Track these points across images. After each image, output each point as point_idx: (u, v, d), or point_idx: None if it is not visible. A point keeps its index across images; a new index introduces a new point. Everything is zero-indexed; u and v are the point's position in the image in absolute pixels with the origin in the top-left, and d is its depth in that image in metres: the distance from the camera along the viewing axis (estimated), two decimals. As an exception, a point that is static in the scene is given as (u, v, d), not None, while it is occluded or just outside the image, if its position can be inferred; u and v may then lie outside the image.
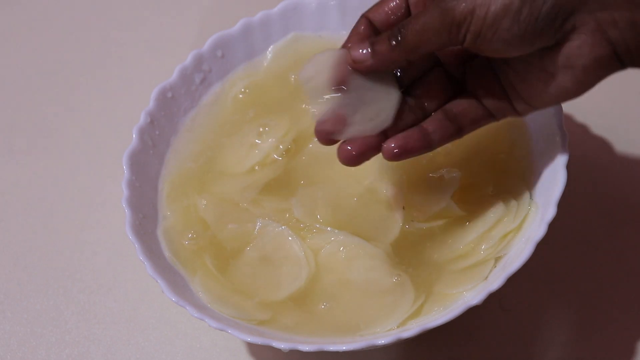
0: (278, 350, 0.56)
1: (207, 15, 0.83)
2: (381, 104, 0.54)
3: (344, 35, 0.69)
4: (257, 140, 0.65)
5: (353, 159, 0.53)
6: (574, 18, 0.48)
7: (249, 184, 0.63)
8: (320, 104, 0.54)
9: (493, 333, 0.62)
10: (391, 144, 0.53)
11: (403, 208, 0.60)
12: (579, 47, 0.49)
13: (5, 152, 0.76)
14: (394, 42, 0.50)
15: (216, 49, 0.67)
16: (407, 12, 0.53)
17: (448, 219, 0.59)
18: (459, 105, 0.54)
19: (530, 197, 0.59)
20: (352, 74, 0.53)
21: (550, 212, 0.55)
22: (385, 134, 0.54)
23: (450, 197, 0.60)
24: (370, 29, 0.54)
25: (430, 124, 0.54)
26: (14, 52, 0.83)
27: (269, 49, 0.68)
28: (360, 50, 0.52)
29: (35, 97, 0.80)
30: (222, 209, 0.62)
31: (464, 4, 0.48)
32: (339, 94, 0.53)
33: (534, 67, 0.51)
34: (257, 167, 0.64)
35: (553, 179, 0.57)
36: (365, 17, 0.54)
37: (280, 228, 0.60)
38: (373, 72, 0.53)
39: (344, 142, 0.54)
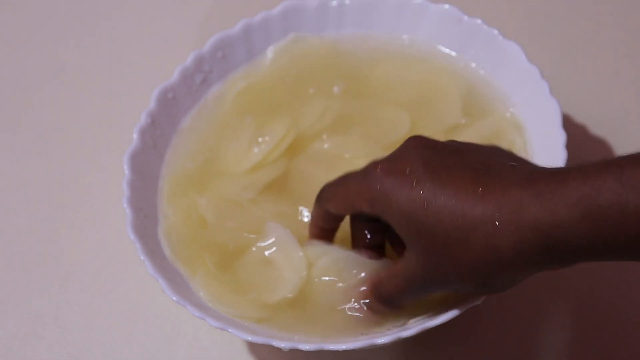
0: (278, 350, 0.56)
1: (208, 16, 0.83)
2: None
3: (344, 34, 0.69)
4: (257, 140, 0.65)
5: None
6: None
7: (249, 184, 0.63)
8: None
9: (493, 333, 0.62)
10: None
11: None
12: None
13: (6, 152, 0.76)
14: (395, 309, 0.56)
15: (217, 49, 0.67)
16: None
17: None
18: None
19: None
20: None
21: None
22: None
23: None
24: (330, 216, 0.57)
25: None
26: (14, 52, 0.83)
27: (269, 50, 0.69)
28: (369, 314, 0.57)
29: (35, 97, 0.80)
30: (222, 209, 0.62)
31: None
32: None
33: None
34: (257, 168, 0.64)
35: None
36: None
37: (284, 231, 0.60)
38: None
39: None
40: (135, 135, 0.62)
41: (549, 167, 0.48)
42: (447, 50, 0.68)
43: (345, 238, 0.59)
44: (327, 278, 0.58)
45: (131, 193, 0.59)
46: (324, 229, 0.58)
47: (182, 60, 0.66)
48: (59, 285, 0.68)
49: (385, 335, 0.53)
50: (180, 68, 0.65)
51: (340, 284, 0.57)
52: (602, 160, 0.45)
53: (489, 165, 0.49)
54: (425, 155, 0.50)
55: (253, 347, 0.64)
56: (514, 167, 0.48)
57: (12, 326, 0.66)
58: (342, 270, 0.57)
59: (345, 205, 0.54)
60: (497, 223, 0.46)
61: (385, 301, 0.55)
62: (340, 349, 0.53)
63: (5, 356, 0.65)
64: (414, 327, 0.53)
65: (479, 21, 0.66)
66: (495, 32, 0.65)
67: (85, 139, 0.76)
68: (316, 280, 0.58)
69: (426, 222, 0.48)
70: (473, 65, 0.67)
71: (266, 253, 0.60)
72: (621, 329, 0.62)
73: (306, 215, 0.62)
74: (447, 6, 0.67)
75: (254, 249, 0.60)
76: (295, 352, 0.55)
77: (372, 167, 0.52)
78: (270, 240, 0.60)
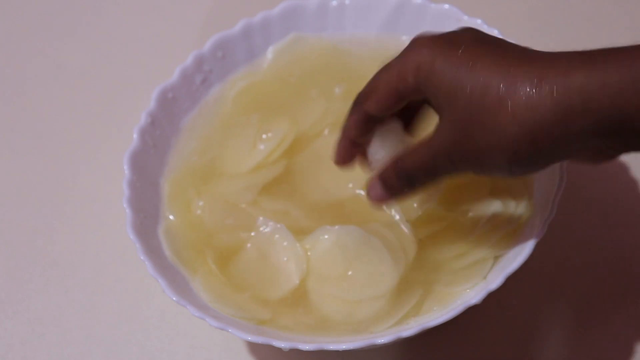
0: (278, 350, 0.56)
1: (208, 16, 0.83)
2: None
3: (344, 34, 0.69)
4: (257, 141, 0.65)
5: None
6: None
7: (249, 184, 0.63)
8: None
9: (492, 332, 0.62)
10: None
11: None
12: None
13: (5, 152, 0.76)
14: (406, 186, 0.53)
15: (217, 49, 0.67)
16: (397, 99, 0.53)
17: (447, 220, 0.59)
18: None
19: (530, 197, 0.59)
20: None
21: (549, 212, 0.55)
22: None
23: (448, 198, 0.60)
24: (366, 122, 0.55)
25: None
26: (14, 52, 0.83)
27: (269, 50, 0.69)
28: (378, 193, 0.54)
29: (35, 97, 0.80)
30: (222, 209, 0.62)
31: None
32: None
33: None
34: (257, 168, 0.64)
35: (552, 178, 0.57)
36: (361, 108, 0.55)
37: (278, 226, 0.60)
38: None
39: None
40: (135, 135, 0.62)
41: None
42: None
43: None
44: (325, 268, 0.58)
45: (131, 193, 0.60)
46: (354, 145, 0.56)
47: (182, 60, 0.66)
48: (59, 285, 0.68)
49: (385, 335, 0.53)
50: (180, 68, 0.66)
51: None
52: None
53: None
54: (472, 31, 0.50)
55: (253, 347, 0.64)
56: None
57: (12, 326, 0.66)
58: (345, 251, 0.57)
59: (389, 89, 0.51)
60: (541, 83, 0.45)
61: (403, 176, 0.52)
62: (340, 349, 0.53)
63: (5, 356, 0.65)
64: (414, 327, 0.53)
65: (479, 21, 0.66)
66: (495, 32, 0.65)
67: (85, 139, 0.76)
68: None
69: (469, 83, 0.47)
70: (473, 65, 0.67)
71: (262, 249, 0.60)
72: (621, 329, 0.62)
73: (306, 214, 0.62)
74: (447, 6, 0.67)
75: (249, 245, 0.60)
76: (295, 352, 0.55)
77: (417, 38, 0.50)
78: (268, 238, 0.60)
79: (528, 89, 0.45)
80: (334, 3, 0.69)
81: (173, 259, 0.59)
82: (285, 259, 0.59)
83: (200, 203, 0.62)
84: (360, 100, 0.54)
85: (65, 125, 0.77)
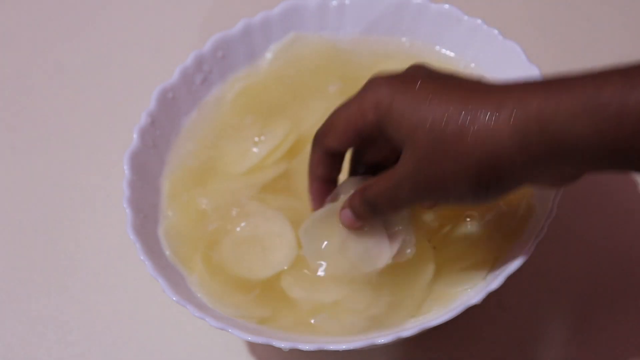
0: (278, 350, 0.56)
1: (208, 16, 0.83)
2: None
3: (344, 34, 0.69)
4: (257, 140, 0.65)
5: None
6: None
7: (249, 184, 0.63)
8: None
9: (492, 332, 0.62)
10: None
11: None
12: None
13: (6, 151, 0.76)
14: (371, 214, 0.54)
15: (217, 49, 0.67)
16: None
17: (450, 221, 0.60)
18: None
19: (530, 197, 0.59)
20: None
21: (549, 212, 0.55)
22: None
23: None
24: (329, 158, 0.56)
25: None
26: (14, 52, 0.83)
27: (269, 50, 0.69)
28: (348, 218, 0.56)
29: (35, 97, 0.80)
30: (222, 208, 0.62)
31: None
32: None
33: None
34: (257, 168, 0.64)
35: (552, 178, 0.57)
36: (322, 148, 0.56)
37: (273, 212, 0.60)
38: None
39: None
40: (135, 135, 0.62)
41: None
42: (446, 50, 0.68)
43: None
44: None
45: (131, 193, 0.60)
46: (325, 180, 0.57)
47: (182, 60, 0.66)
48: (59, 285, 0.68)
49: (385, 336, 0.53)
50: (180, 68, 0.66)
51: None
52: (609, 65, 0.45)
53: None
54: (427, 69, 0.51)
55: (253, 347, 0.64)
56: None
57: (12, 326, 0.66)
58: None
59: (347, 127, 0.53)
60: (499, 110, 0.46)
61: (367, 204, 0.54)
62: (340, 349, 0.53)
63: (5, 356, 0.65)
64: (414, 327, 0.53)
65: (479, 21, 0.66)
66: (495, 32, 0.65)
67: (85, 139, 0.76)
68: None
69: (429, 116, 0.48)
70: (473, 65, 0.67)
71: (258, 232, 0.60)
72: (621, 329, 0.62)
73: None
74: (447, 6, 0.67)
75: (238, 229, 0.61)
76: (295, 352, 0.55)
77: (373, 79, 0.52)
78: (263, 221, 0.60)
79: (487, 117, 0.47)
80: (334, 3, 0.69)
81: (173, 258, 0.59)
82: (277, 242, 0.59)
83: (201, 202, 0.62)
84: (319, 139, 0.56)
85: (66, 125, 0.77)
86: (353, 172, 0.59)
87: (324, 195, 0.58)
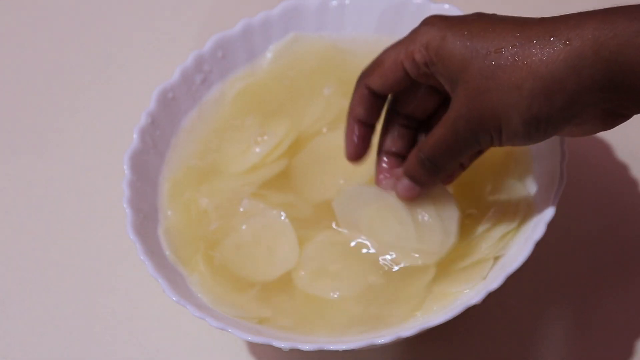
0: (278, 350, 0.56)
1: (208, 16, 0.83)
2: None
3: (344, 34, 0.69)
4: (257, 140, 0.65)
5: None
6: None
7: (249, 182, 0.63)
8: None
9: (492, 332, 0.62)
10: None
11: None
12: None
13: (6, 151, 0.76)
14: (431, 173, 0.53)
15: (216, 49, 0.67)
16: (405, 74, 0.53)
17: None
18: None
19: (530, 197, 0.59)
20: None
21: (549, 212, 0.55)
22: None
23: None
24: (370, 99, 0.55)
25: None
26: (14, 52, 0.83)
27: (269, 50, 0.69)
28: (407, 189, 0.55)
29: (36, 97, 0.80)
30: (222, 208, 0.62)
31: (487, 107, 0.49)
32: None
33: None
34: (257, 168, 0.64)
35: (552, 178, 0.57)
36: (364, 85, 0.55)
37: (274, 212, 0.60)
38: None
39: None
40: (135, 135, 0.62)
41: None
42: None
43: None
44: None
45: (131, 193, 0.60)
46: (362, 123, 0.56)
47: (182, 60, 0.66)
48: (59, 285, 0.68)
49: (385, 336, 0.53)
50: (180, 68, 0.66)
51: None
52: None
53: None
54: (478, 13, 0.51)
55: (253, 347, 0.64)
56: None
57: (12, 326, 0.66)
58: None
59: (394, 64, 0.52)
60: (554, 37, 0.46)
61: (427, 163, 0.53)
62: (340, 349, 0.53)
63: (5, 356, 0.65)
64: (414, 327, 0.53)
65: (479, 21, 0.65)
66: (495, 32, 0.65)
67: (85, 139, 0.76)
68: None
69: (482, 48, 0.48)
70: (473, 65, 0.67)
71: (259, 234, 0.60)
72: (621, 329, 0.62)
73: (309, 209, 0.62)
74: (447, 6, 0.66)
75: (240, 229, 0.60)
76: (295, 352, 0.55)
77: (426, 19, 0.51)
78: (265, 222, 0.60)
79: (542, 44, 0.46)
80: (334, 3, 0.68)
81: (173, 258, 0.59)
82: (280, 241, 0.59)
83: (201, 202, 0.62)
84: (363, 77, 0.55)
85: (65, 125, 0.77)
86: (388, 122, 0.57)
87: (359, 139, 0.57)
